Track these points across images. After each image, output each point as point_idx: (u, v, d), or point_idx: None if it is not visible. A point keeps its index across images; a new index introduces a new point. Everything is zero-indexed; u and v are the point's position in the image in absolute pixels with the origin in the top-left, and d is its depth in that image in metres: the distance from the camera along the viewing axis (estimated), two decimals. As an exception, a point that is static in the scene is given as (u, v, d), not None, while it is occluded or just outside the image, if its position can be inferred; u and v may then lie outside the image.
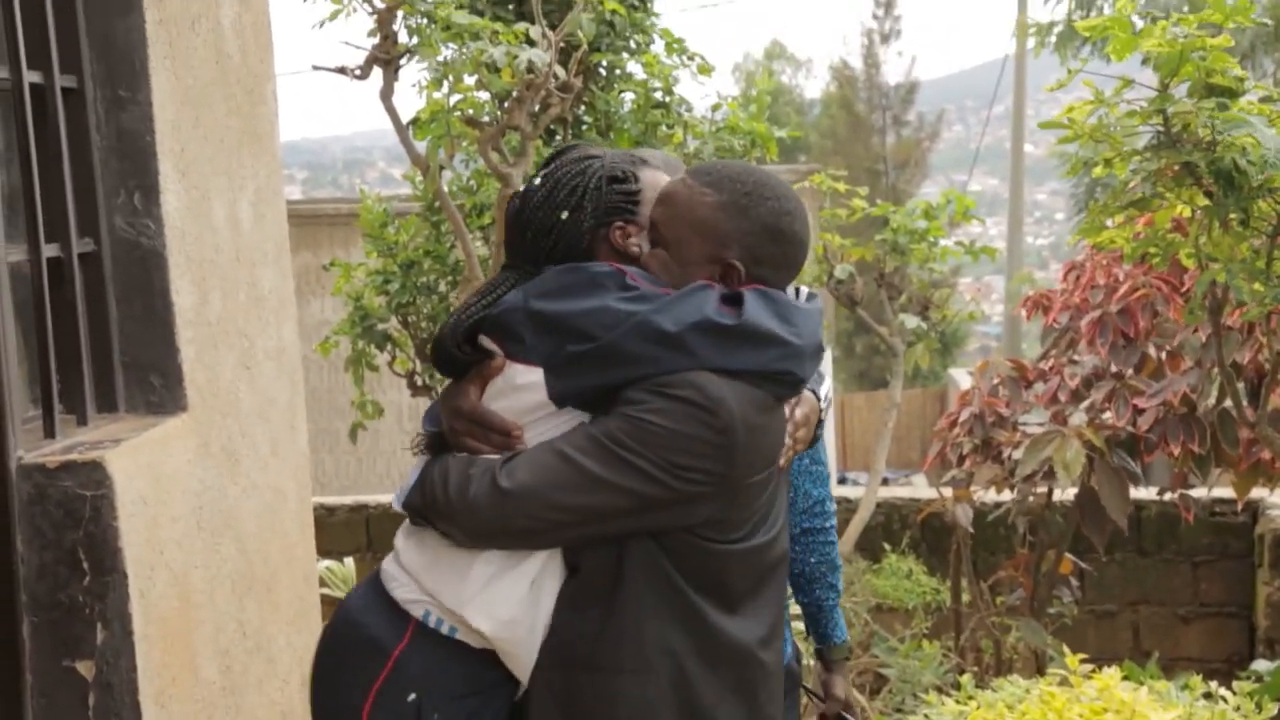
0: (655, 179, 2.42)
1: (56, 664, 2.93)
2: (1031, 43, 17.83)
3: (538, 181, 2.42)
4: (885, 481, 7.33)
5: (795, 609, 3.38)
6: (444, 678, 2.33)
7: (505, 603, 2.31)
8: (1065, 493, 4.83)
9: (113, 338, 3.40)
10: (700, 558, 2.31)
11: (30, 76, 3.10)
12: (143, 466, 3.11)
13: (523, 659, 2.35)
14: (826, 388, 2.59)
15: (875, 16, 35.70)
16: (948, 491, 5.15)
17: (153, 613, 3.03)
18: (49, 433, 3.13)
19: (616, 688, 2.31)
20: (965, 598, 5.55)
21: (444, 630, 2.35)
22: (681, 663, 2.32)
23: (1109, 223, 3.60)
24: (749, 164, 2.59)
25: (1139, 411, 4.33)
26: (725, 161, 2.54)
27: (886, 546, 7.12)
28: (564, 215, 2.35)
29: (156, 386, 3.46)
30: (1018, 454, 4.50)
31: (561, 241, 2.35)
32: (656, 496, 2.23)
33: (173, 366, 3.46)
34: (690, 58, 5.89)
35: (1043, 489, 4.76)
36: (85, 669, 2.94)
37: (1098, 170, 3.16)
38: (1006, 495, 4.91)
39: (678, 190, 2.39)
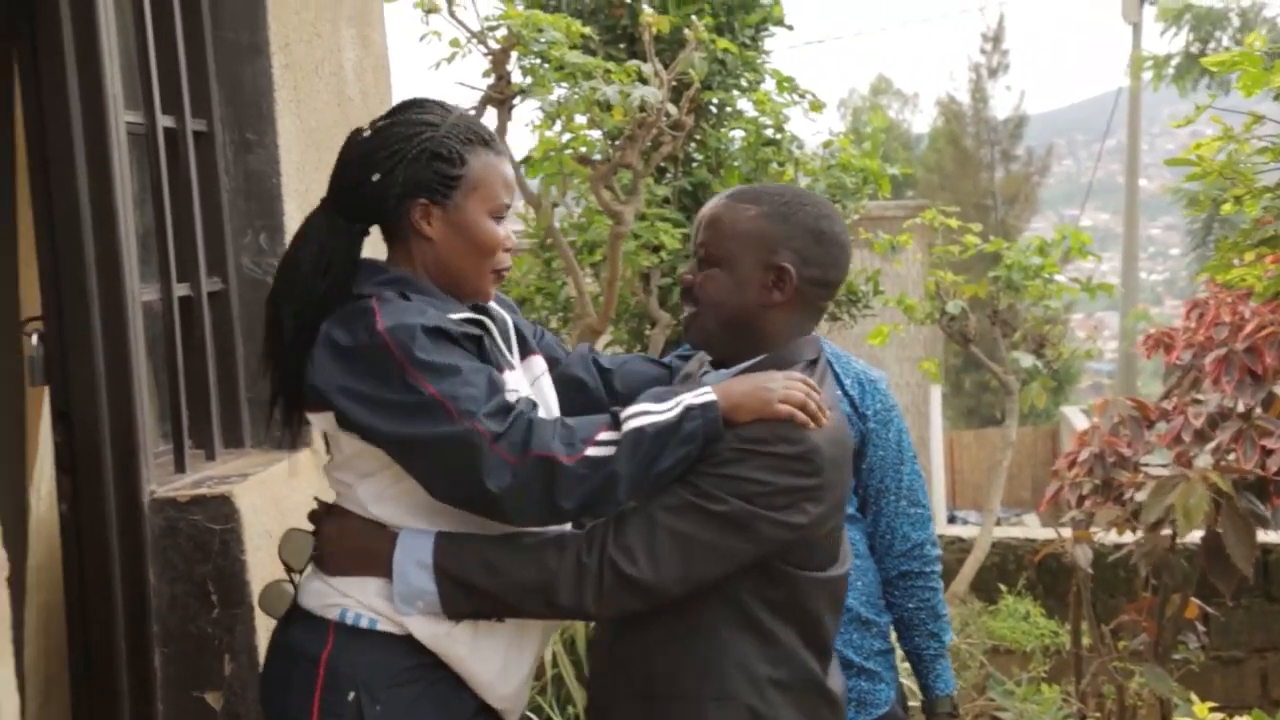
0: (489, 165, 2.35)
1: (186, 694, 2.98)
2: (1147, 76, 17.55)
3: (368, 132, 2.34)
4: (997, 521, 7.21)
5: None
6: (376, 670, 2.29)
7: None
8: (1190, 535, 4.72)
9: (239, 374, 3.47)
10: (783, 585, 2.32)
11: (164, 121, 3.18)
12: (268, 501, 3.17)
13: (468, 666, 2.33)
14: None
15: (983, 51, 35.44)
16: (1066, 532, 5.05)
17: (277, 646, 3.07)
18: (179, 467, 3.20)
19: (700, 716, 2.31)
20: (1086, 641, 5.44)
21: (363, 624, 2.31)
22: (762, 690, 2.32)
23: (1236, 261, 3.53)
24: (783, 185, 2.62)
25: (1267, 453, 4.22)
26: (760, 185, 2.57)
27: (1002, 587, 7.00)
28: (375, 178, 2.30)
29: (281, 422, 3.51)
30: (1140, 495, 4.40)
31: (368, 202, 2.33)
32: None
33: (297, 403, 3.51)
34: (801, 95, 5.89)
35: (1166, 532, 4.66)
36: (214, 700, 2.99)
37: (1227, 207, 3.10)
38: (1127, 537, 4.81)
39: (720, 211, 2.43)
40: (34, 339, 2.95)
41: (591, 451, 2.16)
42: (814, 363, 2.42)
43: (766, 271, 2.36)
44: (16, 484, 3.28)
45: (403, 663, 2.30)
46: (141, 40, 3.14)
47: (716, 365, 2.46)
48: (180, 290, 3.25)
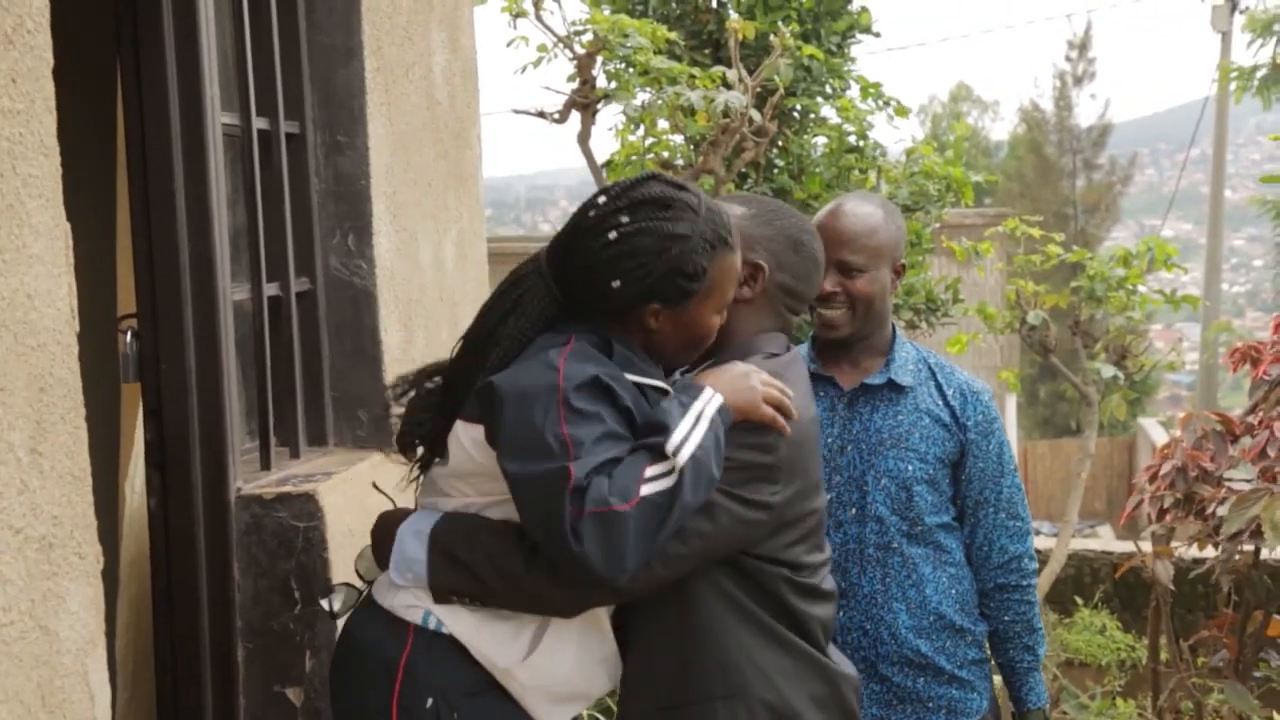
0: (726, 268, 2.35)
1: (268, 689, 3.03)
2: (1233, 86, 17.29)
3: (613, 235, 2.27)
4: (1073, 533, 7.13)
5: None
6: (454, 677, 2.31)
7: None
8: (1274, 552, 4.64)
9: (324, 374, 3.52)
10: (767, 585, 2.37)
11: (258, 123, 3.23)
12: (351, 499, 3.20)
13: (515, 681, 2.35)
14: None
15: (1069, 59, 35.02)
16: (1145, 546, 4.99)
17: (359, 643, 3.10)
18: (265, 464, 3.25)
19: (712, 716, 2.34)
20: (1164, 657, 5.37)
21: (444, 630, 2.33)
22: (771, 679, 2.36)
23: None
24: (777, 200, 2.75)
25: (1354, 469, 4.14)
26: (752, 194, 2.66)
27: (1078, 600, 6.93)
28: (615, 285, 2.28)
29: (364, 421, 3.57)
30: (1222, 510, 4.34)
31: (600, 300, 2.31)
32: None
33: (379, 402, 3.56)
34: (886, 102, 5.86)
35: (1249, 548, 4.58)
36: (294, 695, 3.03)
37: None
38: (1208, 552, 4.74)
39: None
40: (128, 336, 3.00)
41: (646, 490, 2.15)
42: (775, 355, 2.48)
43: (742, 267, 2.44)
44: (109, 479, 3.34)
45: (477, 672, 2.33)
46: (239, 43, 3.19)
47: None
48: (269, 290, 3.30)
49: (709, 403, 2.25)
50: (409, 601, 2.36)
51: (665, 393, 2.33)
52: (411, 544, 2.32)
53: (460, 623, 2.32)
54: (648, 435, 2.21)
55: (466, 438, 2.31)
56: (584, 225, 2.32)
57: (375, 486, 2.67)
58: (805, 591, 2.42)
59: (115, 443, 3.43)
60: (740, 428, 2.28)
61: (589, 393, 2.19)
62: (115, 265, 3.39)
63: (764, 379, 2.34)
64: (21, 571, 2.08)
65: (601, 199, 2.32)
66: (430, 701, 2.30)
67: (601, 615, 2.41)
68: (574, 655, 2.36)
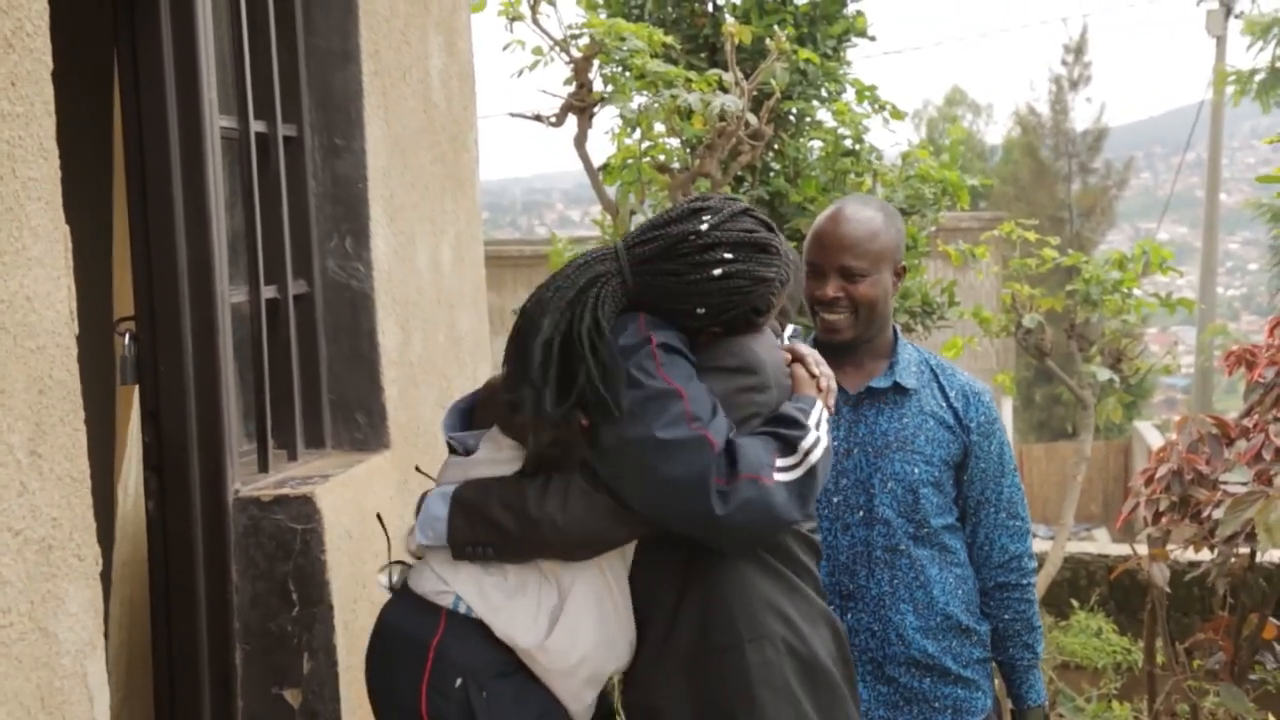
0: (783, 296, 2.52)
1: (266, 691, 3.03)
2: (1230, 90, 17.31)
3: (718, 272, 2.37)
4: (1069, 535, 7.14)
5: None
6: (483, 659, 2.37)
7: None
8: (1269, 554, 4.66)
9: (322, 376, 3.52)
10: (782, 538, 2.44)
11: (256, 126, 3.24)
12: (348, 502, 3.21)
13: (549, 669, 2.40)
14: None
15: (1064, 63, 35.02)
16: (1142, 549, 5.00)
17: (356, 644, 3.11)
18: (262, 467, 3.25)
19: (742, 662, 2.38)
20: (1159, 659, 5.38)
21: (474, 615, 2.39)
22: (790, 620, 2.42)
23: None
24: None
25: (1349, 472, 4.15)
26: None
27: (1074, 603, 6.94)
28: (700, 311, 2.38)
29: (361, 424, 3.57)
30: (1218, 513, 4.35)
31: (679, 314, 2.39)
32: None
33: (377, 405, 3.57)
34: (881, 106, 5.87)
35: (1244, 550, 4.59)
36: (293, 697, 3.04)
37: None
38: (1203, 555, 4.75)
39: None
40: (126, 339, 3.01)
41: (780, 477, 2.30)
42: None
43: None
44: (104, 481, 3.34)
45: (505, 655, 2.38)
46: (237, 47, 3.20)
47: None
48: (267, 293, 3.30)
49: (821, 412, 2.43)
50: (440, 587, 2.43)
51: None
52: (436, 503, 2.41)
53: (485, 603, 2.38)
54: (778, 426, 2.36)
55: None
56: (683, 249, 2.39)
57: (379, 518, 2.74)
58: (807, 544, 2.51)
59: (111, 445, 3.43)
60: (739, 371, 2.40)
61: (672, 353, 2.34)
62: (112, 268, 3.39)
63: (826, 371, 2.53)
64: (21, 573, 2.08)
65: (704, 224, 2.39)
66: (459, 681, 2.35)
67: (619, 594, 2.46)
68: (592, 635, 2.41)
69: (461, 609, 2.39)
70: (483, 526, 2.37)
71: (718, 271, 2.36)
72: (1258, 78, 17.23)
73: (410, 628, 2.42)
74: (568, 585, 2.41)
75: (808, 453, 2.34)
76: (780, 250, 2.44)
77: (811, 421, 2.37)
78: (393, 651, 2.44)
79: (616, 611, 2.45)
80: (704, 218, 2.39)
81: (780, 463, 2.31)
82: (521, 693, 2.38)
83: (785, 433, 2.34)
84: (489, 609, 2.38)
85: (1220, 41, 20.32)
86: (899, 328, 3.14)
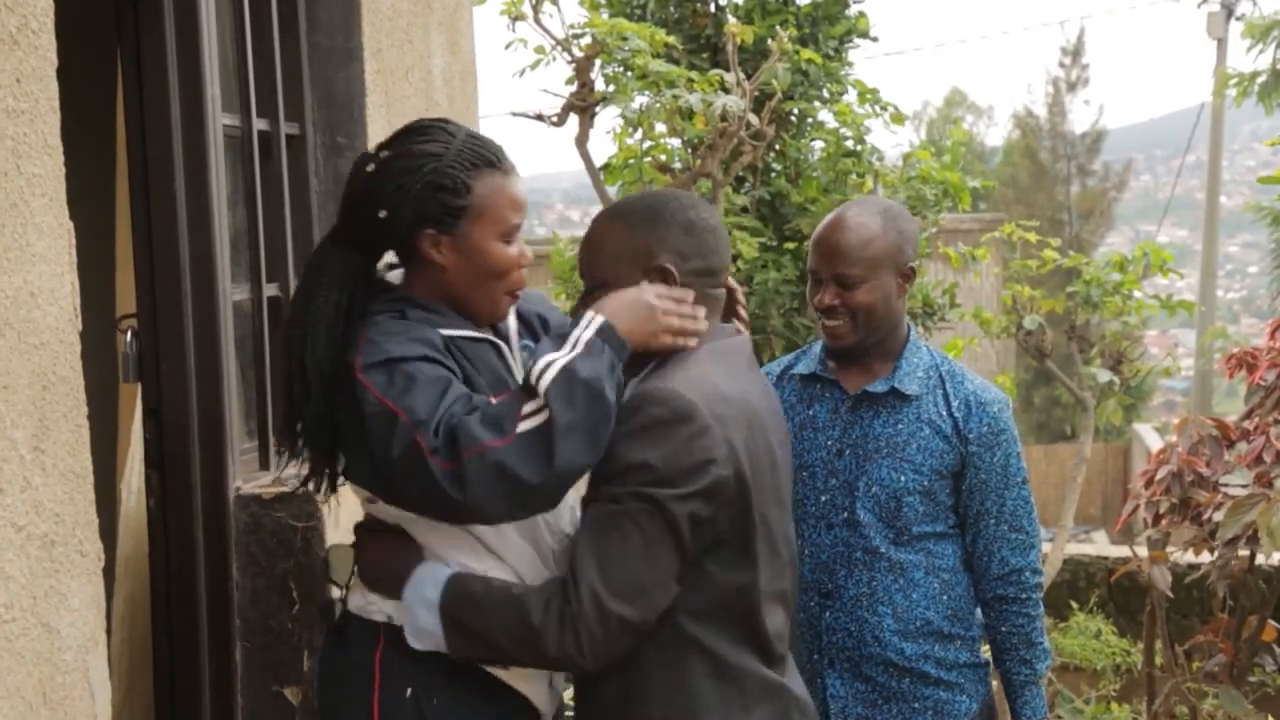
0: (495, 189, 2.34)
1: (266, 688, 3.04)
2: (1231, 93, 17.31)
3: (372, 166, 2.31)
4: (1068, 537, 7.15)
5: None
6: (428, 666, 2.31)
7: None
8: (1269, 557, 4.66)
9: (323, 375, 3.51)
10: (712, 593, 2.30)
11: (258, 124, 3.24)
12: (348, 499, 3.20)
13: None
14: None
15: (1062, 65, 35.06)
16: (1141, 551, 5.00)
17: (356, 643, 3.11)
18: (264, 464, 3.26)
19: None
20: (1159, 661, 5.38)
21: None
22: (723, 707, 2.31)
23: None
24: (643, 191, 2.61)
25: (1350, 475, 4.15)
26: (622, 199, 2.56)
27: (1073, 604, 6.94)
28: (381, 214, 2.28)
29: (363, 422, 3.56)
30: (1218, 516, 4.35)
31: (378, 236, 2.32)
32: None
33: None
34: (883, 107, 5.87)
35: (1244, 553, 4.60)
36: (292, 695, 3.04)
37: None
38: (1203, 557, 4.75)
39: (591, 235, 2.44)
40: (127, 336, 3.01)
41: (525, 425, 2.13)
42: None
43: (649, 277, 2.36)
44: (107, 478, 3.34)
45: (449, 659, 2.32)
46: (240, 45, 3.20)
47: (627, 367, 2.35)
48: (269, 290, 3.31)
49: (586, 327, 2.23)
50: (372, 599, 2.37)
51: (489, 343, 2.37)
52: (424, 616, 2.28)
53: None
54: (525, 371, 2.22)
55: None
56: (351, 171, 2.36)
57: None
58: (747, 612, 2.35)
59: (114, 442, 3.44)
60: (655, 420, 2.20)
61: (382, 368, 2.18)
62: (115, 265, 3.39)
63: (659, 293, 2.30)
64: (24, 569, 2.09)
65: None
66: (409, 691, 2.31)
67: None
68: None
69: (396, 620, 2.34)
70: (483, 647, 2.28)
71: (371, 166, 2.31)
72: (1259, 80, 17.22)
73: (353, 648, 2.37)
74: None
75: (539, 378, 2.15)
76: (453, 132, 2.33)
77: (553, 350, 2.19)
78: (339, 675, 2.40)
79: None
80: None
81: (526, 409, 2.13)
82: (471, 693, 2.34)
83: (527, 378, 2.17)
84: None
85: (1221, 44, 20.33)
86: (914, 330, 3.11)
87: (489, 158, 2.34)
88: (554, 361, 2.16)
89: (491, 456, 2.10)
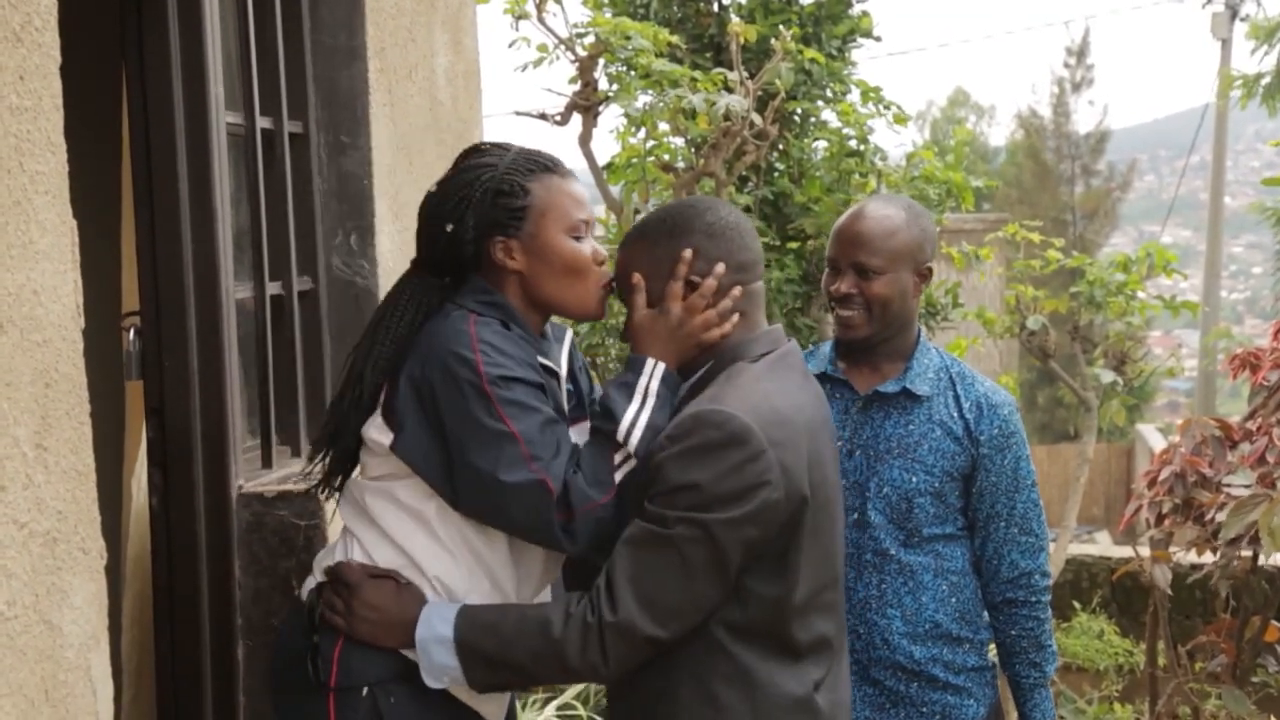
0: (554, 188, 2.41)
1: (268, 687, 3.03)
2: (1236, 93, 17.30)
3: (434, 187, 2.44)
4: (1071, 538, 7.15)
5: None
6: (386, 665, 2.34)
7: None
8: (1272, 557, 4.65)
9: (326, 373, 3.52)
10: (745, 605, 2.30)
11: (262, 122, 3.24)
12: (352, 499, 3.20)
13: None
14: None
15: (1066, 65, 35.06)
16: (1144, 551, 5.00)
17: (359, 641, 3.11)
18: (266, 462, 3.26)
19: None
20: (1161, 662, 5.38)
21: None
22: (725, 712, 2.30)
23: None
24: (663, 205, 2.66)
25: (1353, 475, 4.15)
26: (644, 217, 2.59)
27: (1076, 605, 6.94)
28: (448, 228, 2.38)
29: (365, 421, 3.56)
30: (1221, 516, 4.34)
31: (450, 253, 2.40)
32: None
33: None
34: (886, 107, 5.87)
35: (1247, 553, 4.59)
36: (295, 693, 3.03)
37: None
38: (1206, 558, 4.75)
39: (619, 260, 2.48)
40: (130, 334, 3.01)
41: (619, 477, 2.29)
42: (765, 355, 2.40)
43: (685, 285, 2.39)
44: (114, 476, 3.35)
45: (409, 658, 2.35)
46: (243, 43, 3.21)
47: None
48: (272, 289, 3.31)
49: (652, 375, 2.34)
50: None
51: (553, 371, 2.43)
52: (439, 653, 2.31)
53: None
54: (600, 421, 2.32)
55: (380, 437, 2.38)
56: (420, 206, 2.48)
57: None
58: (777, 627, 2.34)
59: (120, 440, 3.44)
60: (707, 443, 2.21)
61: (509, 385, 2.27)
62: (119, 263, 3.40)
63: (688, 307, 2.36)
64: (26, 566, 2.09)
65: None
66: (366, 690, 2.34)
67: (522, 580, 2.45)
68: None
69: None
70: (505, 672, 2.31)
71: (434, 187, 2.44)
72: (1263, 81, 17.21)
73: (311, 644, 2.39)
74: (461, 596, 2.38)
75: (628, 436, 2.29)
76: (507, 148, 2.43)
77: (629, 403, 2.32)
78: (297, 670, 2.40)
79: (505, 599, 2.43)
80: None
81: (617, 460, 2.30)
82: (427, 692, 2.34)
83: (606, 428, 2.31)
84: None
85: (1225, 44, 20.33)
86: (923, 331, 3.10)
87: (544, 163, 2.44)
88: (638, 419, 2.30)
89: (599, 513, 2.26)
